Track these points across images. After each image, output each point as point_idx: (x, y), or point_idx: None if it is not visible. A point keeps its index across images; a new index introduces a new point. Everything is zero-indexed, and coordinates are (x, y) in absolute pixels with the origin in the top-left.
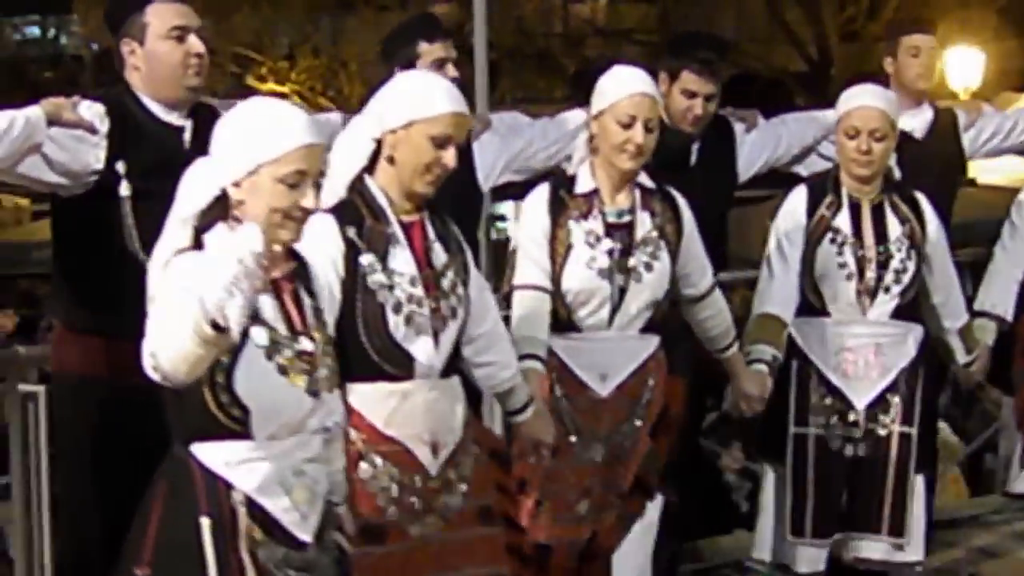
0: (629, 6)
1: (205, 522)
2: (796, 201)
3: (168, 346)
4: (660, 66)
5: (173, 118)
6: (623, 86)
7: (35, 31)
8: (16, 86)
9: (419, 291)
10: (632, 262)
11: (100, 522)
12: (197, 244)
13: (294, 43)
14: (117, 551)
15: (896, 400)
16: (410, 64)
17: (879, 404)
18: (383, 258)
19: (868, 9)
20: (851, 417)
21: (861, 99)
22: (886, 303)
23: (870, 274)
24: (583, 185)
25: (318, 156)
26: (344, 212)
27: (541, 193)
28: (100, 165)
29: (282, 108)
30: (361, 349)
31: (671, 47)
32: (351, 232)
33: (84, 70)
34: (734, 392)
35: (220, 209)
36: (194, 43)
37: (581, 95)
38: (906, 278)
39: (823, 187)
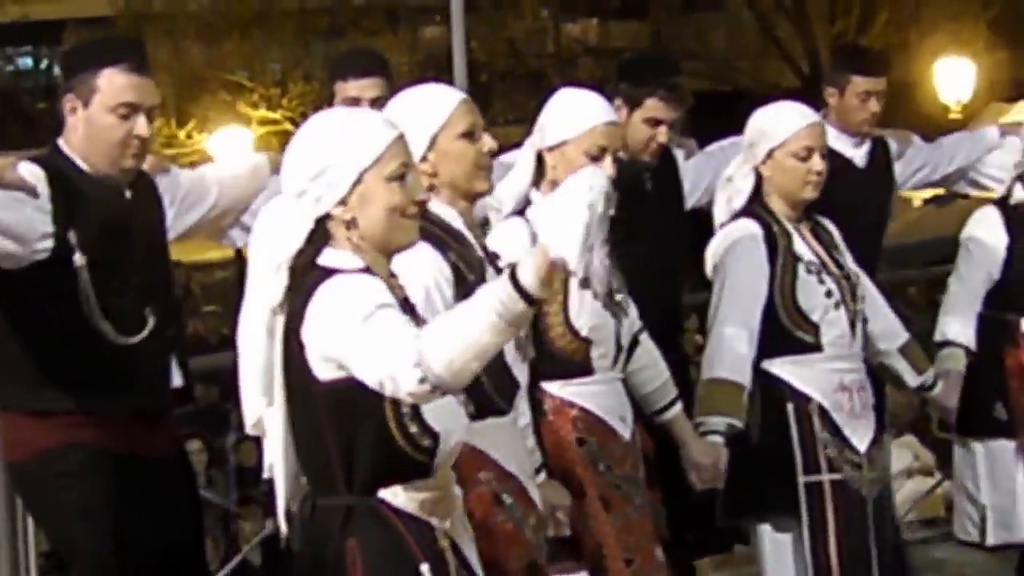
0: (620, 25)
1: (425, 568)
2: (751, 240)
3: (450, 354)
4: (617, 93)
5: (112, 181)
6: (591, 114)
7: (28, 62)
8: (10, 117)
9: None
10: (619, 297)
11: None
12: (293, 287)
13: (285, 69)
14: None
15: (886, 440)
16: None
17: (875, 445)
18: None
19: (858, 23)
20: (856, 460)
21: (807, 117)
22: (861, 332)
23: (850, 301)
24: None
25: (406, 145)
26: (433, 240)
27: (519, 231)
28: (49, 229)
29: (352, 113)
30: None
31: (629, 73)
32: (452, 257)
33: None
34: (684, 463)
35: (318, 242)
36: (140, 125)
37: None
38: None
39: (762, 219)
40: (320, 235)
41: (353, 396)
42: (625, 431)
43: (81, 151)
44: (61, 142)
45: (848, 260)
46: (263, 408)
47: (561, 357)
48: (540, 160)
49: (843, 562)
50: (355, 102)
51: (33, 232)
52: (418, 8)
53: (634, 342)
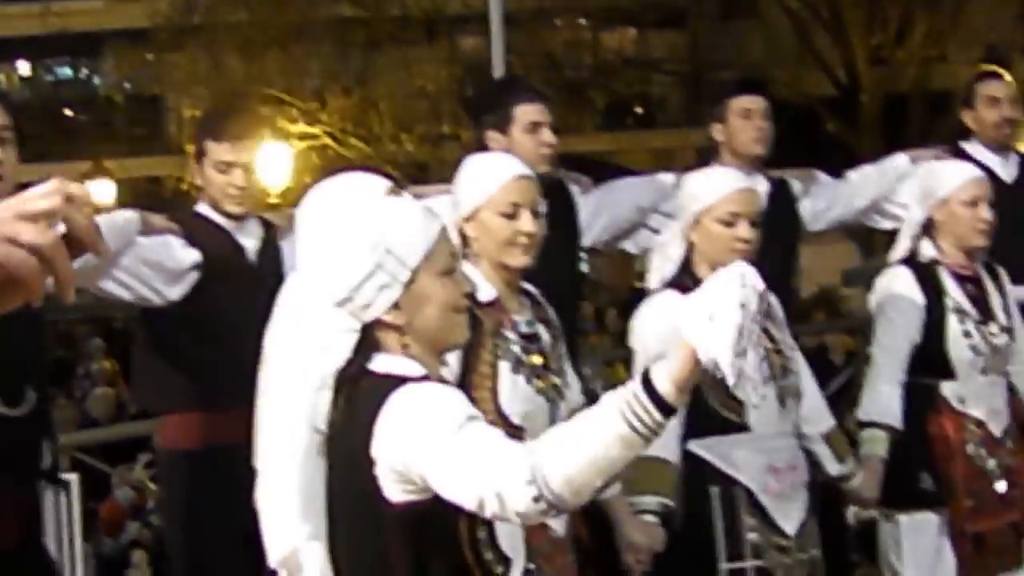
0: (658, 35)
1: None
2: (672, 316)
3: (569, 472)
4: (484, 127)
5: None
6: (497, 172)
7: (67, 72)
8: (50, 127)
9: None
10: (556, 381)
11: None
12: (346, 401)
13: (323, 83)
14: None
15: (813, 525)
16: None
17: (804, 529)
18: None
19: (896, 34)
20: (784, 544)
21: (737, 182)
22: (794, 408)
23: (780, 376)
24: (484, 293)
25: (449, 234)
26: None
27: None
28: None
29: (390, 205)
30: None
31: (483, 105)
32: None
33: (117, 111)
34: (620, 544)
35: (367, 350)
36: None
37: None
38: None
39: (690, 290)
40: (369, 342)
41: (428, 521)
42: (559, 526)
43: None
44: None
45: (783, 333)
46: (298, 539)
47: None
48: (463, 235)
49: None
50: (226, 168)
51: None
52: (456, 18)
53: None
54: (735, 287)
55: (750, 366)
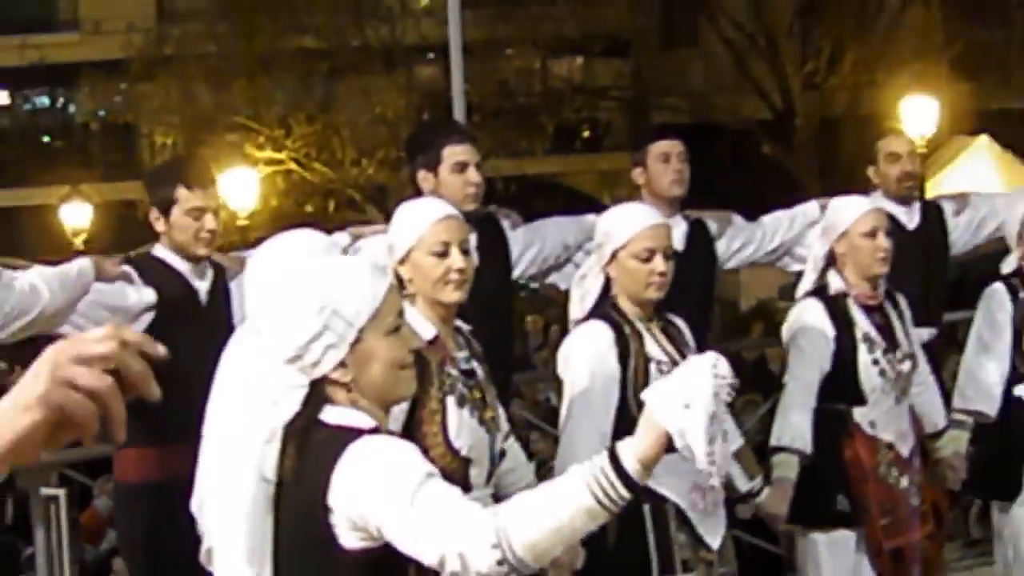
0: (603, 63)
1: None
2: (601, 343)
3: (533, 537)
4: (416, 166)
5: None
6: (425, 214)
7: (45, 101)
8: (29, 153)
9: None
10: (490, 415)
11: None
12: (296, 451)
13: (288, 111)
14: None
15: (729, 540)
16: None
17: (724, 544)
18: None
19: (828, 61)
20: (709, 558)
21: (650, 218)
22: None
23: None
24: (425, 332)
25: (398, 293)
26: None
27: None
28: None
29: (337, 264)
30: None
31: (415, 145)
32: None
33: (92, 138)
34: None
35: (316, 404)
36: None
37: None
38: None
39: (613, 321)
40: (318, 395)
41: (381, 566)
42: None
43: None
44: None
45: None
46: (243, 571)
47: (441, 471)
48: (399, 277)
49: None
50: (198, 214)
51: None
52: (413, 48)
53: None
54: (708, 377)
55: (719, 453)
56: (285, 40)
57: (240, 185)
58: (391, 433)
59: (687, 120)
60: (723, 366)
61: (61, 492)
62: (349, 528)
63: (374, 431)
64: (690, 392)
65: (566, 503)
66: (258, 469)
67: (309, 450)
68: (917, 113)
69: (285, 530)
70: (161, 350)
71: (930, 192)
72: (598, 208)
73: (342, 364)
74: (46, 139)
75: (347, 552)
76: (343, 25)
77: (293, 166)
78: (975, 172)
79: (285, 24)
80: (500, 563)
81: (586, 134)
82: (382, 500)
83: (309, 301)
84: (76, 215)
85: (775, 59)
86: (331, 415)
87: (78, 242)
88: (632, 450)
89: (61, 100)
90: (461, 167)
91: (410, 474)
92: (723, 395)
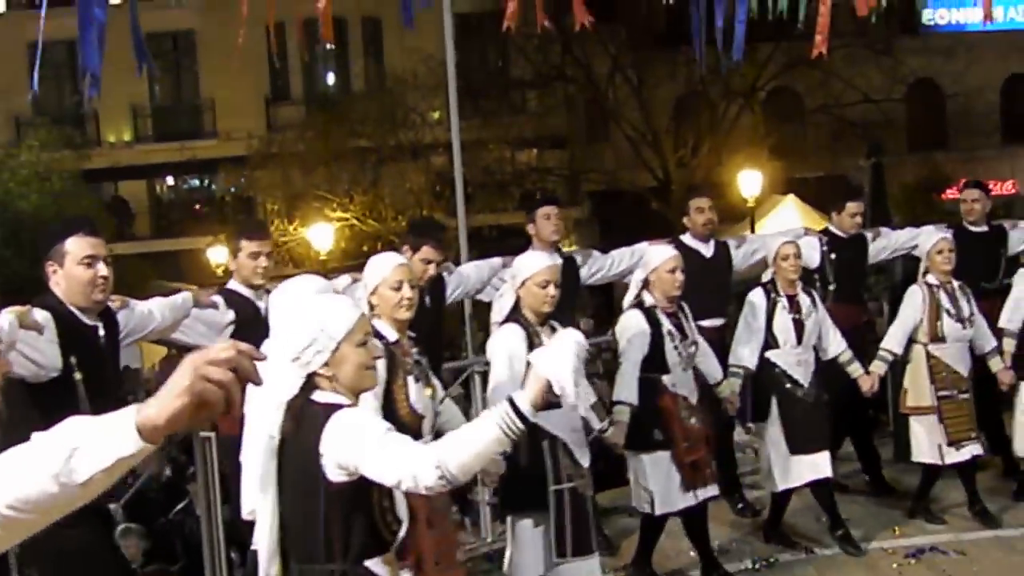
0: (550, 153)
1: None
2: (514, 338)
3: (463, 460)
4: (403, 241)
5: (88, 319)
6: (388, 261)
7: (196, 182)
8: (187, 217)
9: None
10: (433, 385)
11: None
12: (296, 418)
13: (351, 187)
14: None
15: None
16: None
17: (588, 466)
18: None
19: (691, 150)
20: (583, 474)
21: (547, 260)
22: (582, 394)
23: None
24: (390, 336)
25: (367, 319)
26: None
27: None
28: (59, 361)
29: (327, 301)
30: None
31: (414, 229)
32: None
33: (227, 206)
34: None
35: (309, 389)
36: (101, 269)
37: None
38: None
39: (522, 324)
40: (309, 385)
41: (354, 493)
42: (442, 504)
43: (67, 298)
44: (53, 291)
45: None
46: (257, 501)
47: (405, 425)
48: (371, 304)
49: (575, 542)
50: (255, 256)
51: (53, 363)
52: (429, 145)
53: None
54: (572, 343)
55: (582, 393)
56: (348, 141)
57: (321, 234)
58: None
59: (603, 188)
60: (580, 338)
61: (212, 434)
62: (335, 468)
63: (350, 406)
64: (560, 353)
65: (483, 435)
66: (268, 430)
67: (304, 418)
68: (748, 181)
69: (286, 470)
70: (263, 355)
71: (758, 230)
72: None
73: (326, 364)
74: (197, 207)
75: (332, 484)
76: (385, 131)
77: (355, 221)
78: (785, 219)
79: (348, 132)
80: (440, 479)
81: (538, 196)
82: (359, 447)
83: (307, 323)
84: (218, 255)
85: (658, 148)
86: (319, 396)
87: (220, 272)
88: (524, 395)
89: (206, 182)
90: (427, 262)
91: (376, 429)
92: (581, 355)
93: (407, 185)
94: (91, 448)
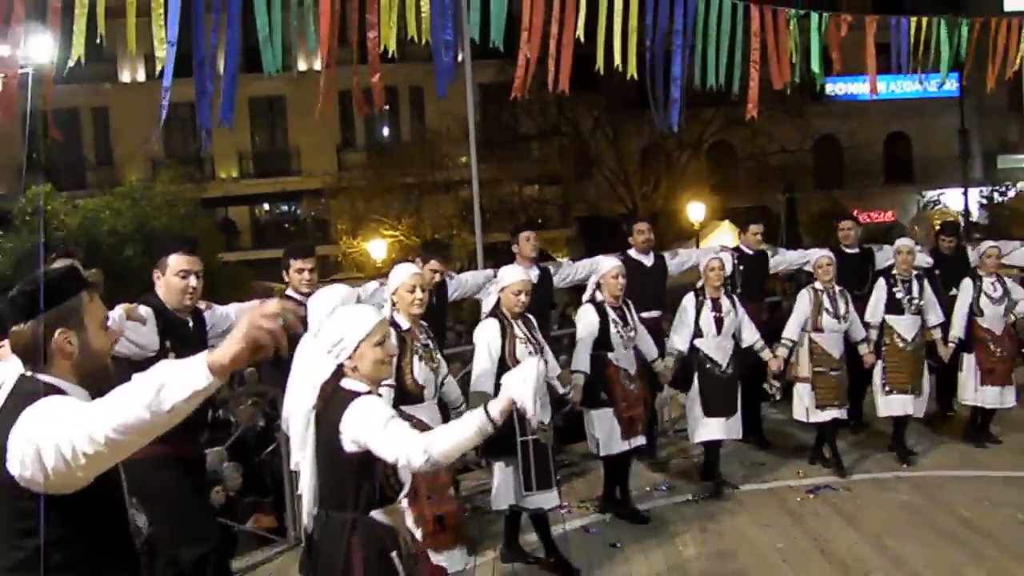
0: (548, 188)
1: (394, 554)
2: (493, 329)
3: (445, 450)
4: (417, 255)
5: (180, 315)
6: (404, 271)
7: (285, 208)
8: (279, 236)
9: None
10: (434, 364)
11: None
12: (327, 398)
13: (400, 213)
14: None
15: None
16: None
17: (551, 422)
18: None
19: (653, 186)
20: (545, 428)
21: (521, 274)
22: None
23: (536, 352)
24: (404, 325)
25: (386, 322)
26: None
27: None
28: (157, 345)
29: (354, 308)
30: None
31: (425, 247)
32: None
33: (308, 228)
34: None
35: (338, 376)
36: (192, 281)
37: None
38: None
39: (500, 318)
40: (339, 372)
41: (365, 462)
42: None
43: (165, 300)
44: (156, 292)
45: (537, 335)
46: (299, 455)
47: (410, 391)
48: (393, 302)
49: (538, 479)
50: (300, 271)
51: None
52: (457, 181)
53: (442, 383)
54: (534, 369)
55: (540, 410)
56: (398, 178)
57: (377, 247)
58: (376, 395)
59: (586, 214)
60: (542, 365)
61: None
62: (350, 442)
63: (368, 394)
64: (525, 377)
65: (464, 432)
66: (307, 404)
67: (333, 400)
68: (694, 210)
69: (319, 438)
70: (301, 311)
71: (702, 246)
72: (544, 256)
73: (350, 357)
74: (285, 226)
75: (347, 454)
76: (425, 171)
77: (402, 238)
78: (721, 238)
79: (398, 172)
80: (427, 461)
81: (540, 221)
82: (368, 428)
83: (338, 324)
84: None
85: (628, 185)
86: (345, 383)
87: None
88: (495, 407)
89: (292, 207)
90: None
91: (383, 415)
92: (541, 379)
93: (441, 211)
94: (174, 384)
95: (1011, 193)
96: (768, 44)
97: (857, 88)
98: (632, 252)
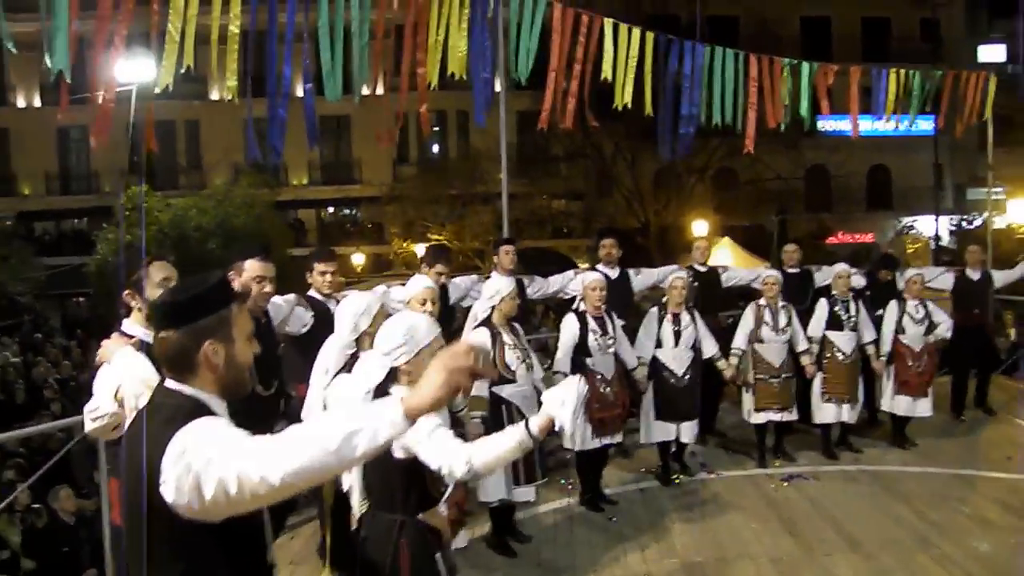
0: (572, 203)
1: (438, 556)
2: (484, 336)
3: (487, 461)
4: (423, 260)
5: (254, 312)
6: (419, 284)
7: (346, 212)
8: (341, 235)
9: None
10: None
11: None
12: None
13: (445, 220)
14: None
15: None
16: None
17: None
18: None
19: (664, 205)
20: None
21: (507, 286)
22: (534, 366)
23: (528, 359)
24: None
25: (441, 335)
26: None
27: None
28: None
29: (413, 316)
30: None
31: (430, 252)
32: None
33: (369, 230)
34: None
35: (389, 380)
36: (265, 286)
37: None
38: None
39: (490, 326)
40: (391, 376)
41: (413, 467)
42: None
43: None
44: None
45: (523, 342)
46: None
47: None
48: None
49: (525, 474)
50: (323, 274)
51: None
52: (495, 194)
53: None
54: (575, 389)
55: (579, 428)
56: (445, 190)
57: (422, 248)
58: None
59: (606, 225)
60: (582, 385)
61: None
62: (400, 448)
63: None
64: (565, 396)
65: (506, 445)
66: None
67: None
68: (698, 227)
69: None
70: (487, 350)
71: (710, 263)
72: (567, 262)
73: (408, 362)
74: (347, 227)
75: (396, 460)
76: (468, 185)
77: (446, 242)
78: (723, 255)
79: (445, 184)
80: (468, 472)
81: (564, 231)
82: (416, 437)
83: (404, 328)
84: (357, 258)
85: (643, 203)
86: (394, 389)
87: (358, 269)
88: (535, 424)
89: (353, 211)
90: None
91: (429, 424)
92: (582, 398)
93: (480, 220)
94: (368, 430)
95: (977, 222)
96: (764, 88)
97: (845, 125)
98: (600, 266)
